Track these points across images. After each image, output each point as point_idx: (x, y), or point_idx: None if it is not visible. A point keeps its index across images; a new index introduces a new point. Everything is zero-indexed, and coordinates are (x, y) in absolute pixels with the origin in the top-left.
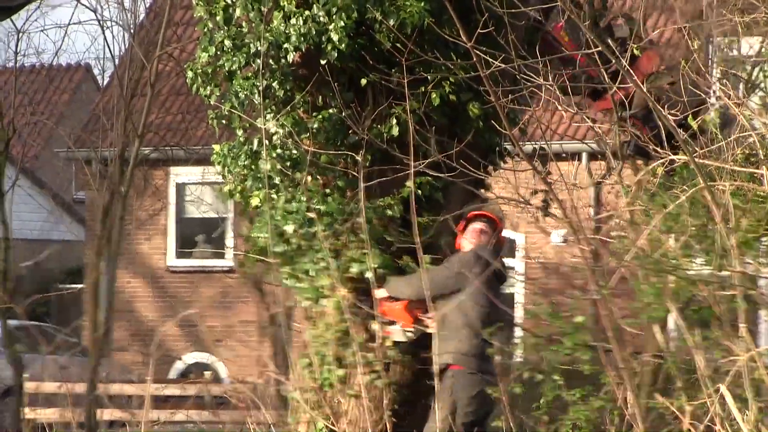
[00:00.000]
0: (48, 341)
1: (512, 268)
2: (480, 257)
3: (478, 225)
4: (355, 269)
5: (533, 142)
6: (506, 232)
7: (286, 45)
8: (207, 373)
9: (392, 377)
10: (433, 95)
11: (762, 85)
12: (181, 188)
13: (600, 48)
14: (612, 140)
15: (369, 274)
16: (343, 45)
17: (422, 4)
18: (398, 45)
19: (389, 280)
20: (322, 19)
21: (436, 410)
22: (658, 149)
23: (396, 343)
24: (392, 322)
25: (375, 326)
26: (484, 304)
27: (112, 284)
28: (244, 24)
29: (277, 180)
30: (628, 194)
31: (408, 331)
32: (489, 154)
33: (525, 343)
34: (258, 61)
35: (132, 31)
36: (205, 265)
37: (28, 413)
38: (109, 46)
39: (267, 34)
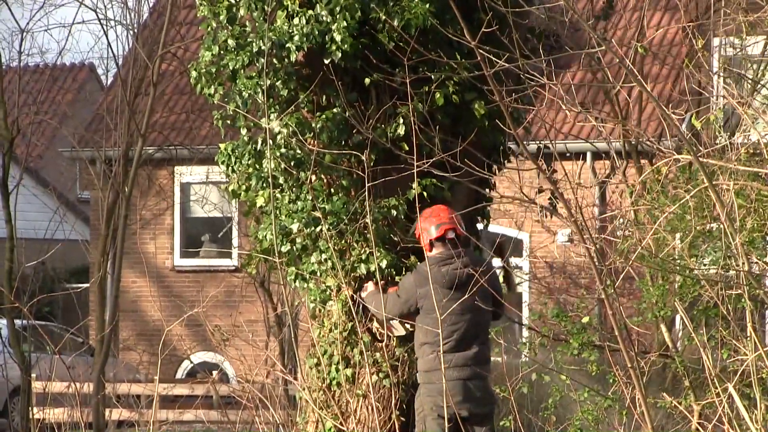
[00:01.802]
0: (54, 341)
1: (519, 267)
2: (418, 273)
3: (423, 228)
4: (361, 269)
5: (538, 142)
6: (511, 231)
7: (289, 44)
8: (214, 373)
9: (400, 377)
10: (437, 95)
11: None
12: (185, 187)
13: (603, 47)
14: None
15: (377, 275)
16: (347, 45)
17: (427, 5)
18: (401, 45)
19: (368, 290)
20: (325, 18)
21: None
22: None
23: (402, 342)
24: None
25: (375, 324)
26: (442, 318)
27: (117, 284)
28: (247, 23)
29: (281, 179)
30: (633, 194)
31: (405, 322)
32: (493, 154)
33: (531, 342)
34: (261, 60)
35: (135, 30)
36: (210, 265)
37: (36, 413)
38: (112, 46)
39: (270, 34)
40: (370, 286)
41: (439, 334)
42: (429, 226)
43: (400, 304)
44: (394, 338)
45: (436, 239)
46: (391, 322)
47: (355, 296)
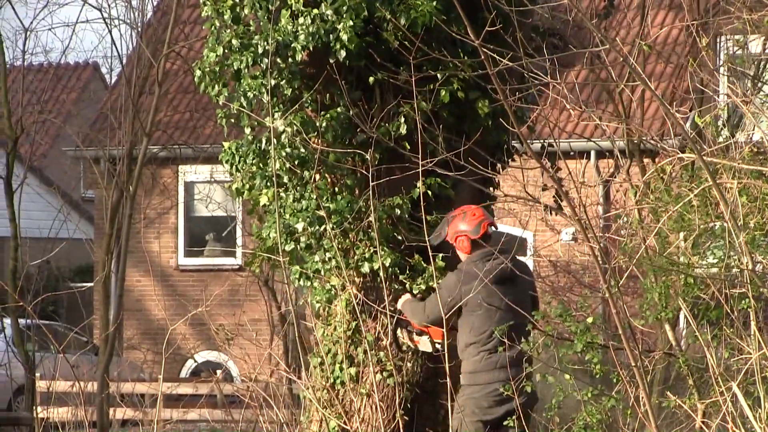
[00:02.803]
0: (58, 340)
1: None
2: (461, 271)
3: (461, 230)
4: (365, 268)
5: (542, 140)
6: (514, 230)
7: (294, 44)
8: (218, 372)
9: (404, 376)
10: (443, 92)
11: None
12: (189, 186)
13: (607, 46)
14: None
15: (381, 273)
16: (353, 44)
17: (433, 3)
18: (406, 43)
19: (404, 299)
20: (330, 18)
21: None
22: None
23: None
24: (421, 332)
25: (403, 335)
26: (484, 317)
27: (121, 282)
28: (251, 23)
29: (285, 178)
30: (636, 194)
31: (436, 343)
32: (497, 152)
33: (535, 342)
34: (266, 60)
35: (139, 29)
36: (214, 264)
37: (40, 412)
38: (116, 45)
39: (275, 33)
40: (406, 295)
41: (483, 332)
42: (468, 228)
43: (442, 305)
44: (405, 343)
45: (480, 238)
46: (420, 337)
47: (359, 295)
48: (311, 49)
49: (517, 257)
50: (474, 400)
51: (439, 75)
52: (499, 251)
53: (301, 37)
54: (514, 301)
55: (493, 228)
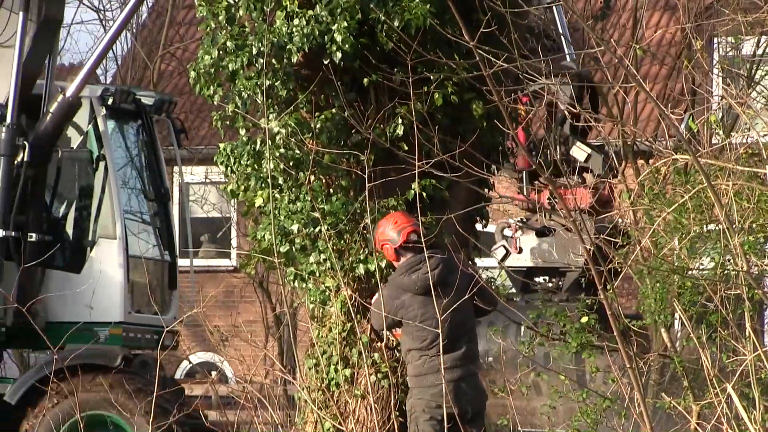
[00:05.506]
0: None
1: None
2: (392, 286)
3: (384, 238)
4: (360, 270)
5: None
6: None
7: (289, 45)
8: (213, 373)
9: (399, 377)
10: (436, 95)
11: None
12: (184, 187)
13: (602, 47)
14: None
15: (376, 275)
16: (347, 45)
17: (427, 6)
18: (401, 45)
19: (377, 296)
20: (325, 19)
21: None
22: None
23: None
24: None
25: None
26: (423, 322)
27: None
28: (246, 24)
29: (280, 180)
30: (631, 197)
31: None
32: (492, 154)
33: (530, 342)
34: (261, 61)
35: (134, 31)
36: (209, 265)
37: None
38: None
39: (269, 35)
40: (379, 292)
41: (424, 339)
42: (391, 234)
43: (381, 319)
44: (394, 340)
45: (401, 246)
46: (399, 329)
47: (354, 297)
48: (306, 50)
49: (451, 256)
50: (423, 400)
51: (432, 77)
52: (427, 256)
53: (296, 38)
54: (450, 303)
55: (416, 236)
